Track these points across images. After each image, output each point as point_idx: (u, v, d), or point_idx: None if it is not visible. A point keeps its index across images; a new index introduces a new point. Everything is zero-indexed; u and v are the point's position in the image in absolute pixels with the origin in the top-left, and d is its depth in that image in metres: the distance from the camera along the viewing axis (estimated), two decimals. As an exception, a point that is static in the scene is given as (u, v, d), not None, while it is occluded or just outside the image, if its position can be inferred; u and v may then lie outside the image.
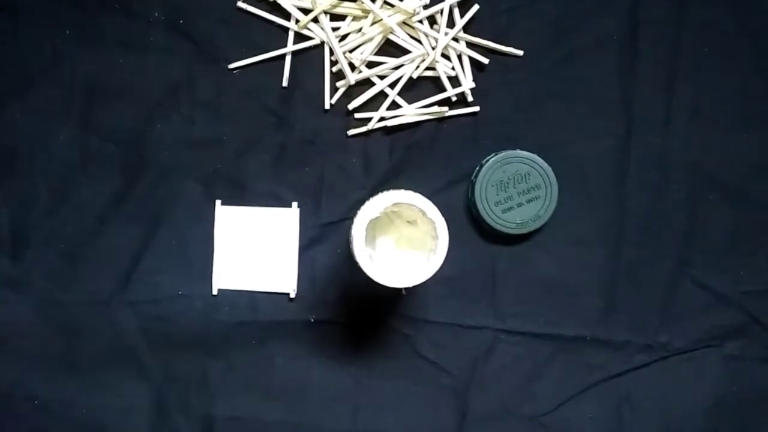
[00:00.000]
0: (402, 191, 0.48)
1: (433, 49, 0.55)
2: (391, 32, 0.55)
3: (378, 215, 0.46)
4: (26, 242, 0.56)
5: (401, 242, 0.51)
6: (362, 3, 0.54)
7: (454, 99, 0.56)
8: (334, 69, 0.56)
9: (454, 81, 0.56)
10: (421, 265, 0.48)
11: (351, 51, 0.55)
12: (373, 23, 0.55)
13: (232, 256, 0.56)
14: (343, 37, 0.56)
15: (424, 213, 0.46)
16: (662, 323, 0.57)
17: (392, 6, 0.55)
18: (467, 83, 0.56)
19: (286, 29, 0.56)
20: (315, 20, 0.56)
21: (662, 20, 0.56)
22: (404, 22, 0.55)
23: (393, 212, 0.51)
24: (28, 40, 0.56)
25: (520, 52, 0.56)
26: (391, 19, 0.54)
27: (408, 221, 0.51)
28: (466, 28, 0.56)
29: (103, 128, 0.56)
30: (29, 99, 0.56)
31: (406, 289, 0.54)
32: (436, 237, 0.46)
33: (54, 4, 0.55)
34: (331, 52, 0.56)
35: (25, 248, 0.56)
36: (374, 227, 0.51)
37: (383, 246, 0.50)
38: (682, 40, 0.56)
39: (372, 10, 0.54)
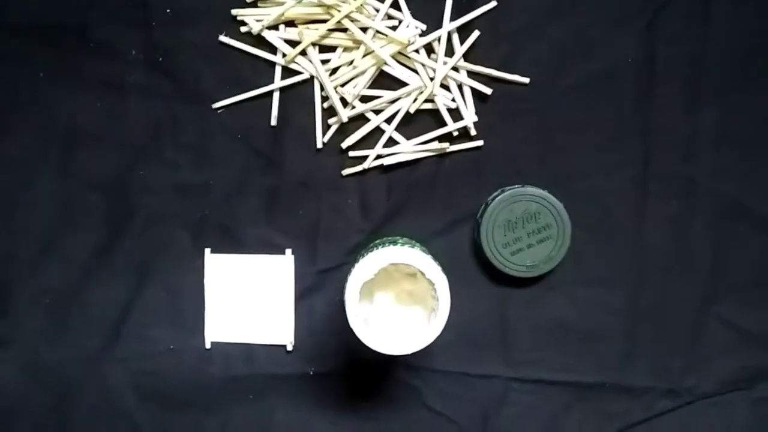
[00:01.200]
0: (398, 248, 0.44)
1: (432, 80, 0.51)
2: (385, 64, 0.51)
3: (372, 277, 0.42)
4: (10, 298, 0.53)
5: (401, 296, 0.47)
6: (353, 33, 0.50)
7: (455, 134, 0.52)
8: (326, 105, 0.52)
9: (456, 113, 0.52)
10: (422, 325, 0.44)
11: (342, 85, 0.51)
12: (365, 55, 0.51)
13: (225, 307, 0.53)
14: (334, 71, 0.52)
15: (422, 273, 0.42)
16: (687, 366, 0.53)
17: (385, 36, 0.51)
18: (469, 116, 0.51)
19: (273, 64, 0.52)
20: (303, 53, 0.52)
21: (682, 39, 0.52)
22: (399, 52, 0.51)
23: (391, 265, 0.47)
24: (2, 84, 0.52)
25: (527, 80, 0.52)
26: (385, 50, 0.50)
27: (408, 273, 0.47)
28: (466, 56, 0.52)
29: (84, 176, 0.53)
30: (5, 147, 0.53)
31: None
32: (436, 298, 0.43)
33: (27, 45, 0.52)
34: (322, 88, 0.52)
35: (9, 305, 0.53)
36: (371, 281, 0.47)
37: (382, 302, 0.47)
38: (705, 60, 0.52)
39: (363, 41, 0.50)
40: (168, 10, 0.52)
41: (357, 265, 0.43)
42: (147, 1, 0.52)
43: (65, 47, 0.52)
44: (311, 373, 0.53)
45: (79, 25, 0.52)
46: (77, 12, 0.52)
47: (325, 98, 0.52)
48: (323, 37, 0.51)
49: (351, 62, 0.51)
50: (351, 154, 0.52)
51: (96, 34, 0.52)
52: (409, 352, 0.42)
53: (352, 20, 0.50)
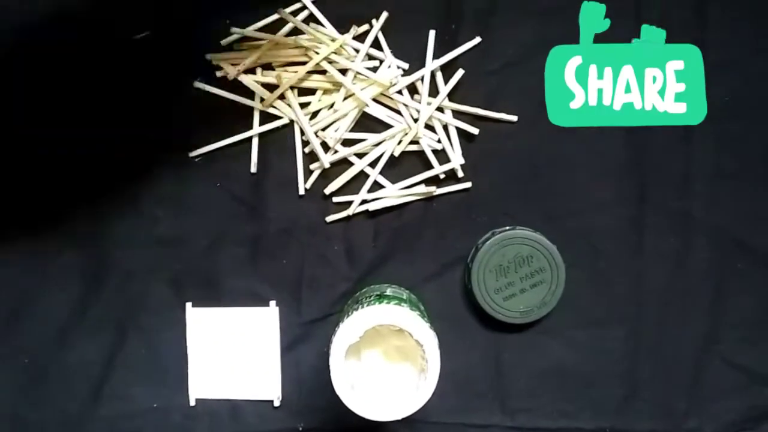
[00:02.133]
0: (383, 307, 0.42)
1: (416, 121, 0.49)
2: (367, 106, 0.49)
3: (357, 339, 0.40)
4: (-14, 358, 0.51)
5: (390, 352, 0.45)
6: (332, 76, 0.48)
7: (442, 176, 0.50)
8: (307, 150, 0.50)
9: (442, 155, 0.50)
10: (412, 383, 0.42)
11: (323, 129, 0.50)
12: (347, 97, 0.49)
13: (209, 362, 0.51)
14: (314, 114, 0.50)
15: (410, 334, 0.40)
16: (690, 408, 0.51)
17: (366, 78, 0.49)
18: (456, 158, 0.50)
19: (251, 109, 0.50)
20: (282, 97, 0.50)
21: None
22: (382, 93, 0.49)
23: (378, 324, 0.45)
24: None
25: (514, 117, 0.50)
26: (366, 92, 0.48)
27: (395, 330, 0.45)
28: (451, 95, 0.50)
29: (57, 232, 0.51)
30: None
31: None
32: (425, 358, 0.41)
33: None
34: (302, 132, 0.50)
35: (-14, 365, 0.51)
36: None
37: (369, 360, 0.45)
38: (698, 92, 0.50)
39: (343, 84, 0.48)
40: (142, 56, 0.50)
41: (342, 326, 0.42)
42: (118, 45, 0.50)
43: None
44: (300, 429, 0.51)
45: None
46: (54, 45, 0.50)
47: (306, 143, 0.50)
48: (302, 80, 0.49)
49: (332, 105, 0.49)
50: (335, 200, 0.50)
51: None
52: (397, 418, 0.40)
53: (331, 62, 0.49)
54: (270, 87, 0.50)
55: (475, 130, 0.50)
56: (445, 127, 0.50)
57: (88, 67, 0.50)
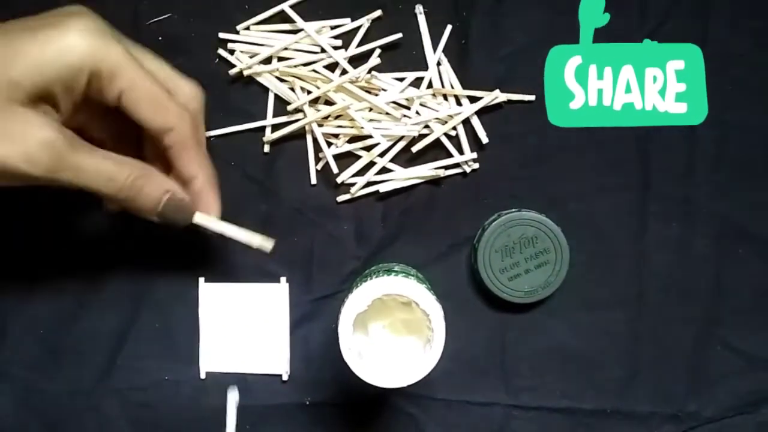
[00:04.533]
0: (392, 278, 0.43)
1: (437, 120, 0.51)
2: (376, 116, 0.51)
3: (365, 308, 0.42)
4: (2, 330, 0.52)
5: (396, 325, 0.46)
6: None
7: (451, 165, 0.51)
8: (321, 159, 0.52)
9: (453, 140, 0.51)
10: (418, 355, 0.44)
11: (335, 136, 0.51)
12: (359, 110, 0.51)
13: (220, 336, 0.52)
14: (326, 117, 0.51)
15: (417, 304, 0.42)
16: (690, 391, 0.52)
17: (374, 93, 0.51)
18: (468, 150, 0.51)
19: (266, 89, 0.51)
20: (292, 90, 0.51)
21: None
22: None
23: (385, 295, 0.46)
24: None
25: (532, 97, 0.51)
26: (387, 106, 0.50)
27: (403, 302, 0.46)
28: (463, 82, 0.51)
29: (74, 209, 0.52)
30: None
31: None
32: (431, 328, 0.42)
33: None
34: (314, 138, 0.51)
35: (2, 335, 0.52)
36: (366, 311, 0.47)
37: (377, 332, 0.46)
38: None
39: (364, 128, 0.50)
40: (160, 38, 0.51)
41: (350, 296, 0.43)
42: (139, 28, 0.51)
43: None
44: (307, 402, 0.52)
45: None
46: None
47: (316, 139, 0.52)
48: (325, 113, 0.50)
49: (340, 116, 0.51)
50: (346, 180, 0.51)
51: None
52: (404, 384, 0.42)
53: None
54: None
55: (485, 139, 0.51)
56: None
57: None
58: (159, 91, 0.41)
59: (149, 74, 0.41)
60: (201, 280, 0.52)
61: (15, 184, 0.39)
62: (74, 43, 0.38)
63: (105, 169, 0.40)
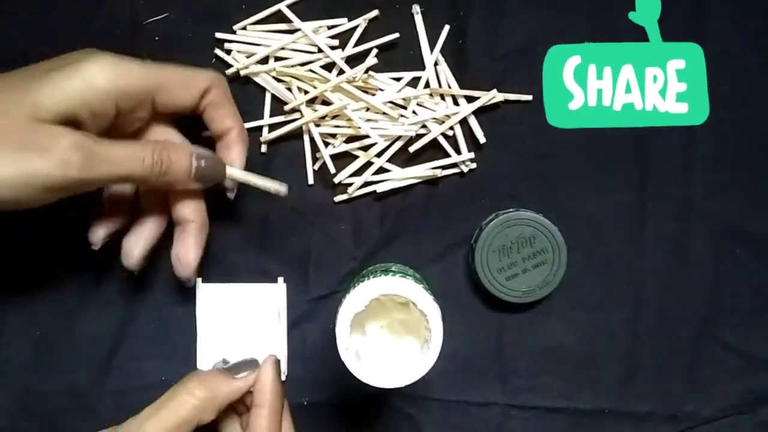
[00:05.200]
0: (389, 278, 0.43)
1: (434, 120, 0.51)
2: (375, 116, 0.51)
3: (363, 309, 0.42)
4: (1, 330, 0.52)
5: (394, 326, 0.46)
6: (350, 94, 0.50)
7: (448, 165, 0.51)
8: (318, 158, 0.52)
9: (450, 140, 0.51)
10: (415, 355, 0.43)
11: (332, 135, 0.51)
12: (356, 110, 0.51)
13: (217, 336, 0.52)
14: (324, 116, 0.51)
15: (414, 304, 0.42)
16: (688, 391, 0.52)
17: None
18: (465, 150, 0.51)
19: (263, 88, 0.51)
20: (289, 90, 0.51)
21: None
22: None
23: (383, 295, 0.46)
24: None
25: (529, 97, 0.51)
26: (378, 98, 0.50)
27: (400, 303, 0.46)
28: (460, 82, 0.51)
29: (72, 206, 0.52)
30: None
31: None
32: (429, 329, 0.42)
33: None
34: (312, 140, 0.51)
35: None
36: (363, 311, 0.46)
37: (374, 332, 0.46)
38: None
39: (361, 128, 0.50)
40: (156, 37, 0.51)
41: (348, 296, 0.43)
42: (136, 27, 0.51)
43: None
44: (305, 403, 0.52)
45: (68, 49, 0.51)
46: (65, 36, 0.51)
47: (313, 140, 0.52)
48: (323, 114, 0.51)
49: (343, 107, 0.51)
50: (343, 180, 0.51)
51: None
52: (402, 385, 0.41)
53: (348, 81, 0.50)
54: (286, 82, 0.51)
55: (482, 139, 0.51)
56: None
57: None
58: (183, 71, 0.44)
59: (170, 68, 0.44)
60: (198, 280, 0.52)
61: (47, 199, 0.40)
62: (98, 71, 0.40)
63: (133, 154, 0.41)
